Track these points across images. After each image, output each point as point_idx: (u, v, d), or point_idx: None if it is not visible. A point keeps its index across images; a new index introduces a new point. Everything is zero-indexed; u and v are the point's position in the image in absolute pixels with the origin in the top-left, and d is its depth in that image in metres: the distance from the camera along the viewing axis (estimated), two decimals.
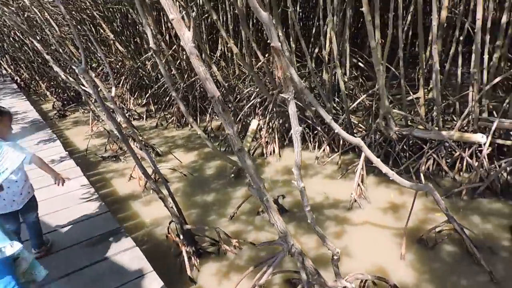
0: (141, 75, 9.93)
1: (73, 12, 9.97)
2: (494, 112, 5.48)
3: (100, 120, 7.68)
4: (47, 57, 4.94)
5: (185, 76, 8.29)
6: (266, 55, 7.96)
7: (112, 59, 11.27)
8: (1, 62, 14.02)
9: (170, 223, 3.95)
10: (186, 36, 1.99)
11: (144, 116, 8.68)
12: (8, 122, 2.85)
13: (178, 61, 8.82)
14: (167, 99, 8.56)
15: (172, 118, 8.05)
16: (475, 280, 3.13)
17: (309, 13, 11.23)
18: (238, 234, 4.11)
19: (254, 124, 6.12)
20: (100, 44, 11.75)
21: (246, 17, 8.09)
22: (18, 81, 13.80)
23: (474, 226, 3.81)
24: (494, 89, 6.42)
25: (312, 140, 6.15)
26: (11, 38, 11.92)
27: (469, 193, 4.37)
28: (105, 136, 7.21)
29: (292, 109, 1.96)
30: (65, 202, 4.28)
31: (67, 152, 6.07)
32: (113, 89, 3.88)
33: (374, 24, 4.53)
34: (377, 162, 3.12)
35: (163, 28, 9.66)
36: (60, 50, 9.25)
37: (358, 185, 4.54)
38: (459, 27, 6.05)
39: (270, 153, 6.08)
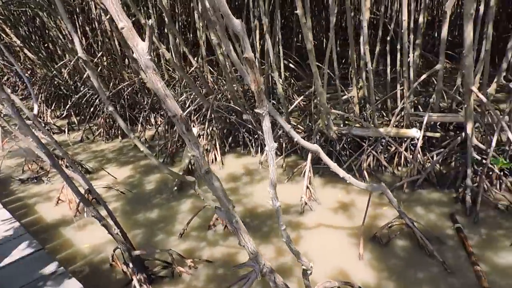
0: (57, 84, 9.01)
1: None
2: (419, 107, 5.91)
3: (13, 137, 6.77)
4: None
5: (110, 84, 7.70)
6: (195, 58, 7.69)
7: (21, 67, 10.08)
8: None
9: (114, 250, 3.57)
10: (140, 48, 1.74)
11: (66, 130, 7.84)
12: None
13: (100, 68, 8.17)
14: (91, 109, 7.84)
15: (100, 130, 7.38)
16: (430, 272, 3.27)
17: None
18: (191, 253, 3.85)
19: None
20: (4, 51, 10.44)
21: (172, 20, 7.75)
22: None
23: (419, 218, 4.00)
24: None
25: (254, 144, 6.06)
26: None
27: (409, 186, 4.60)
28: (21, 155, 6.38)
29: (266, 125, 1.81)
30: None
31: None
32: (36, 106, 3.39)
33: (307, 27, 4.56)
34: (335, 167, 3.12)
35: (79, 32, 8.88)
36: None
37: (307, 187, 4.54)
38: (381, 28, 6.41)
39: (212, 161, 5.86)
